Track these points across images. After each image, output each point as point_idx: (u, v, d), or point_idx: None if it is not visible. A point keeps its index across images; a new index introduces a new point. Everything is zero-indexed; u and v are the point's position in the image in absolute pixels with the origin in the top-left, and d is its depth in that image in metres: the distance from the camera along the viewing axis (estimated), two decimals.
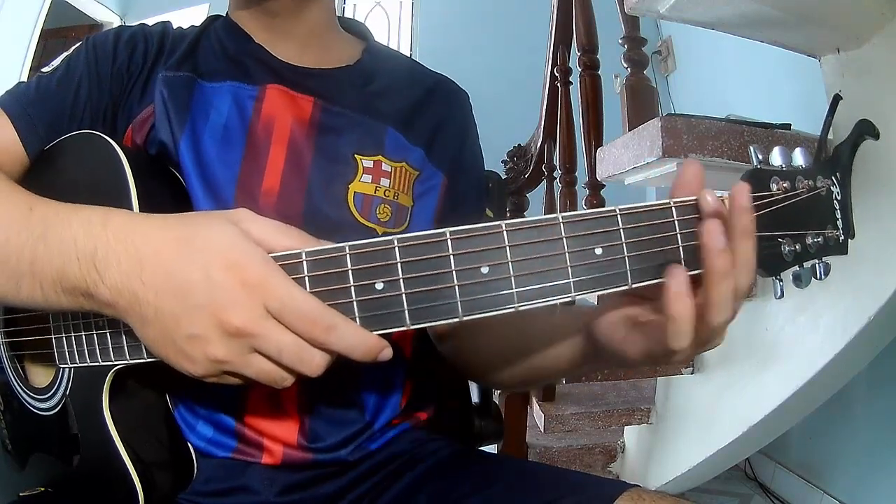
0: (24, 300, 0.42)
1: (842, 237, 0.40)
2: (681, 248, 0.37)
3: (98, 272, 0.38)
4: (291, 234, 0.39)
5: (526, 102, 2.24)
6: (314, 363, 0.37)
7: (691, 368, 1.45)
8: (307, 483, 0.59)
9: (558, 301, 0.37)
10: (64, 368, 0.52)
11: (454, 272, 0.36)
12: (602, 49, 1.59)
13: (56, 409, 0.54)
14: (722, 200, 0.36)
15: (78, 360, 0.49)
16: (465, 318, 0.36)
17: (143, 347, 0.44)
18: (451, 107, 0.71)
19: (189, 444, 0.58)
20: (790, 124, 1.08)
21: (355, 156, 0.61)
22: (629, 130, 1.15)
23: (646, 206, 0.37)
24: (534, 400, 1.61)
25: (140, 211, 0.48)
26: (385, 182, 0.61)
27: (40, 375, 0.57)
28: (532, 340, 0.52)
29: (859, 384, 1.50)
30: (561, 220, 0.35)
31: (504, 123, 1.96)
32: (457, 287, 0.36)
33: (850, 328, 1.02)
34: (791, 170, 0.39)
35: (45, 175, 0.56)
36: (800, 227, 0.39)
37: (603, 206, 0.38)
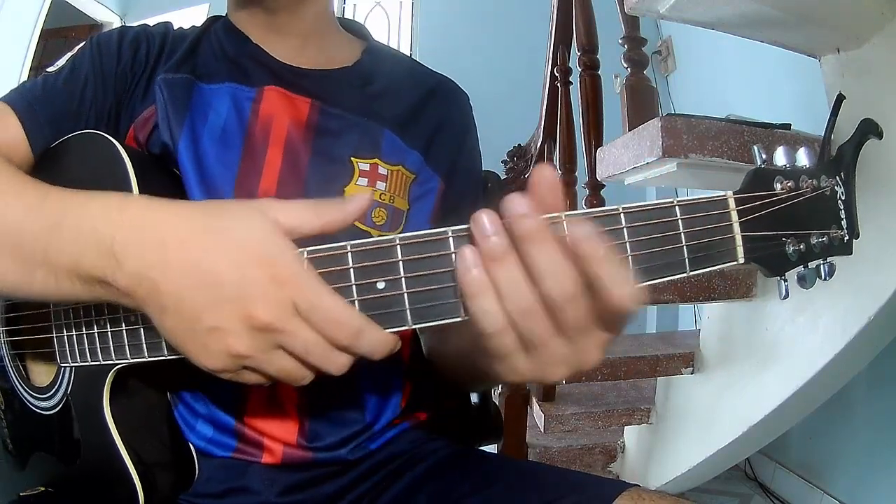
0: (37, 290, 0.41)
1: (846, 237, 0.39)
2: (685, 248, 0.37)
3: (117, 259, 0.37)
4: (321, 212, 0.38)
5: (526, 102, 2.24)
6: (339, 362, 0.37)
7: (691, 368, 1.45)
8: (307, 483, 0.59)
9: None
10: (65, 367, 0.52)
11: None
12: (602, 49, 1.59)
13: (57, 409, 0.54)
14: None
15: (79, 359, 0.49)
16: (468, 318, 0.36)
17: (145, 347, 0.44)
18: (451, 108, 0.70)
19: (190, 445, 0.58)
20: (790, 124, 1.08)
21: (352, 158, 0.61)
22: (629, 130, 1.15)
23: (649, 206, 0.37)
24: (534, 400, 1.61)
25: None
26: (381, 185, 0.61)
27: (41, 374, 0.57)
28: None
29: (859, 384, 1.50)
30: (564, 218, 0.35)
31: (504, 123, 1.97)
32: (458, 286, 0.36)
33: (849, 328, 1.03)
34: (795, 169, 0.38)
35: (48, 174, 0.56)
36: (804, 226, 0.38)
37: (603, 206, 0.38)
